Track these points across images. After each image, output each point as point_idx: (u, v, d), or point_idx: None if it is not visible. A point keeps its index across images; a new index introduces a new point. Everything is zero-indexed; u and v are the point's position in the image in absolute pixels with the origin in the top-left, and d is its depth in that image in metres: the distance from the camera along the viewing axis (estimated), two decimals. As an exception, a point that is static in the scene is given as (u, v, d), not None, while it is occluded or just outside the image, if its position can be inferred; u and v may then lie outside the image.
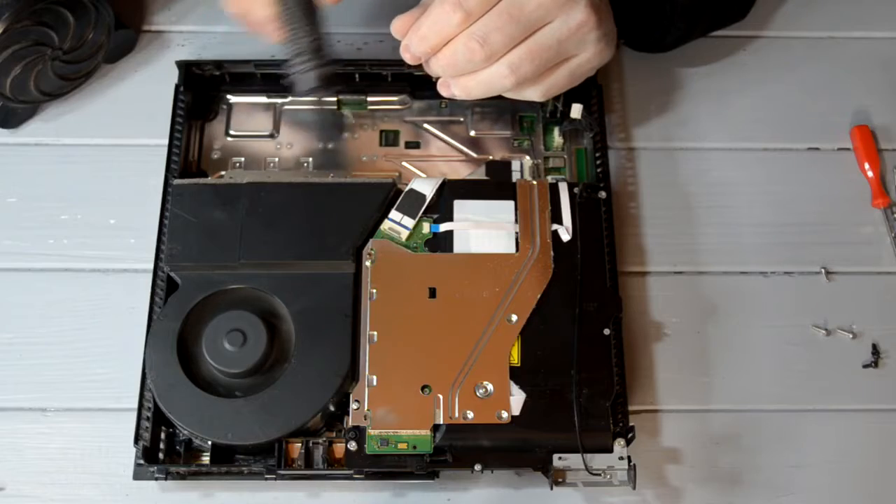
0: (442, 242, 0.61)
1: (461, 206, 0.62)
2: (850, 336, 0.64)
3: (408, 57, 0.58)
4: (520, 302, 0.59)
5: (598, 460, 0.56)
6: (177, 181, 0.62)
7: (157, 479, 0.57)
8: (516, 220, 0.61)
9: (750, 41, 0.74)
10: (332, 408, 0.57)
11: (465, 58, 0.57)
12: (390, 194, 0.62)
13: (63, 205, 0.66)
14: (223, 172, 0.65)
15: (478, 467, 0.56)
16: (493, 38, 0.56)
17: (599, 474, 0.56)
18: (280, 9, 0.58)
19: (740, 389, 0.62)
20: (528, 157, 0.67)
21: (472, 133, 0.68)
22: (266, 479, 0.57)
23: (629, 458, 0.56)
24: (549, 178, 0.65)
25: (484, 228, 0.61)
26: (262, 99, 0.68)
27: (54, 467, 0.59)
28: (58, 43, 0.64)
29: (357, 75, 0.68)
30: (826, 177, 0.69)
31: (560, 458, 0.56)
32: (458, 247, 0.60)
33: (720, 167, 0.69)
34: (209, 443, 0.57)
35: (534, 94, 0.60)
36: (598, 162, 0.65)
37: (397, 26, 0.59)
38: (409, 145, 0.68)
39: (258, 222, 0.60)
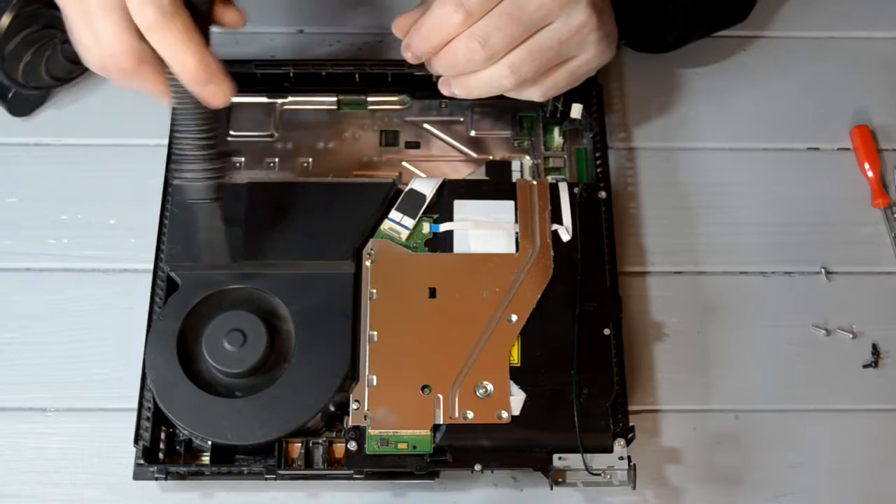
0: (442, 242, 0.61)
1: (461, 206, 0.62)
2: (850, 336, 0.64)
3: (409, 56, 0.58)
4: (520, 302, 0.59)
5: (598, 460, 0.56)
6: (177, 181, 0.62)
7: (157, 479, 0.57)
8: (516, 220, 0.61)
9: (750, 41, 0.74)
10: (332, 408, 0.57)
11: (466, 58, 0.57)
12: (390, 194, 0.62)
13: (63, 205, 0.66)
14: (223, 172, 0.66)
15: (478, 467, 0.56)
16: (493, 38, 0.56)
17: (599, 474, 0.56)
18: (177, 107, 0.53)
19: (740, 389, 0.62)
20: (528, 157, 0.67)
21: (472, 133, 0.68)
22: (266, 479, 0.57)
23: (629, 458, 0.56)
24: (549, 178, 0.65)
25: (484, 228, 0.61)
26: (262, 99, 0.68)
27: (54, 467, 0.59)
28: None
29: (357, 75, 0.68)
30: (826, 177, 0.69)
31: (560, 458, 0.56)
32: (458, 247, 0.61)
33: (720, 167, 0.69)
34: (209, 443, 0.57)
35: (534, 94, 0.60)
36: (598, 162, 0.65)
37: (398, 25, 0.59)
38: (409, 145, 0.68)
39: (258, 222, 0.60)
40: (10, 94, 0.67)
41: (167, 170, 0.64)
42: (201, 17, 0.51)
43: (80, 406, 0.61)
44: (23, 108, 0.68)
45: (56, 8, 0.63)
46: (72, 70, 0.68)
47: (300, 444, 0.57)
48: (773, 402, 0.62)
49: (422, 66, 0.59)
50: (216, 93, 0.51)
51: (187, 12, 0.50)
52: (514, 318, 0.58)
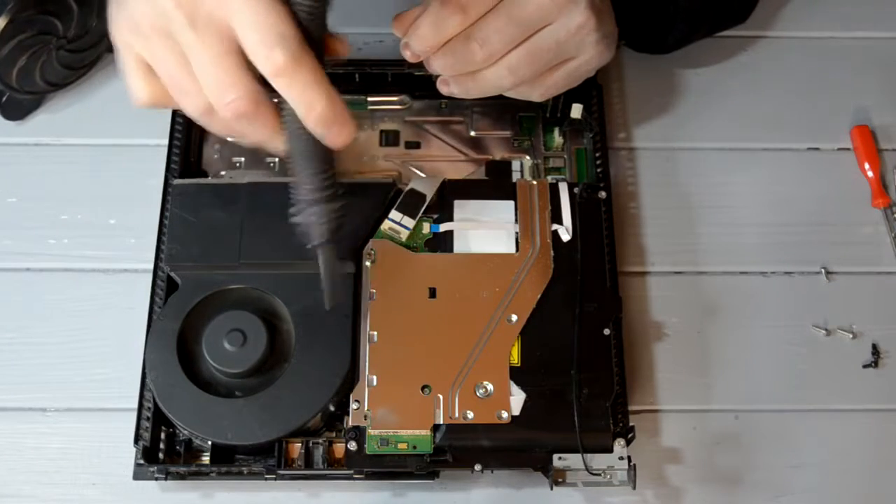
0: (442, 242, 0.61)
1: (461, 206, 0.62)
2: (850, 336, 0.64)
3: (408, 55, 0.58)
4: (520, 302, 0.59)
5: (598, 460, 0.56)
6: (177, 181, 0.62)
7: (157, 479, 0.57)
8: (516, 220, 0.61)
9: (750, 41, 0.74)
10: (332, 408, 0.57)
11: (464, 58, 0.57)
12: (390, 194, 0.62)
13: (63, 205, 0.66)
14: (223, 172, 0.66)
15: (478, 467, 0.56)
16: (492, 39, 0.56)
17: (599, 474, 0.56)
18: (291, 149, 0.50)
19: (740, 389, 0.62)
20: (528, 157, 0.67)
21: (472, 133, 0.68)
22: (266, 479, 0.57)
23: (629, 458, 0.56)
24: (549, 178, 0.65)
25: (484, 228, 0.61)
26: (262, 99, 0.68)
27: (54, 467, 0.59)
28: (62, 32, 0.65)
29: (357, 75, 0.68)
30: (826, 177, 0.69)
31: (560, 458, 0.56)
32: (458, 247, 0.61)
33: (720, 167, 0.69)
34: (209, 443, 0.57)
35: (532, 94, 0.60)
36: (598, 162, 0.65)
37: (398, 23, 0.59)
38: (409, 145, 0.68)
39: (258, 222, 0.60)
40: (3, 99, 0.67)
41: (167, 170, 0.64)
42: (319, 52, 0.48)
43: (80, 406, 0.61)
44: (17, 112, 0.68)
45: (51, 13, 0.63)
46: (66, 75, 0.68)
47: (300, 444, 0.57)
48: (773, 402, 0.62)
49: (421, 65, 0.59)
50: (340, 133, 0.48)
51: (312, 52, 0.47)
52: (514, 318, 0.58)
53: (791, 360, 0.63)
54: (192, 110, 0.49)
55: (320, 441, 0.58)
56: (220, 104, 0.48)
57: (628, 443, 0.56)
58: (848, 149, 0.70)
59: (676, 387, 0.62)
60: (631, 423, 0.58)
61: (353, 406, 0.57)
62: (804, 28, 0.74)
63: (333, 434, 0.58)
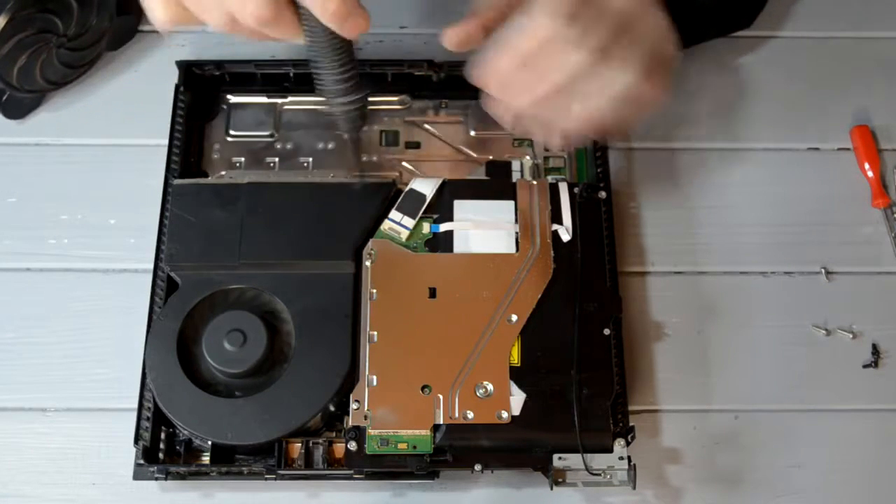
0: (442, 242, 0.61)
1: (461, 206, 0.62)
2: (850, 336, 0.64)
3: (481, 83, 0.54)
4: (520, 302, 0.59)
5: (598, 460, 0.56)
6: (177, 181, 0.63)
7: (157, 479, 0.57)
8: (516, 220, 0.61)
9: (750, 41, 0.74)
10: (332, 408, 0.57)
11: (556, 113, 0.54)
12: (390, 194, 0.62)
13: (63, 205, 0.66)
14: (223, 172, 0.66)
15: (478, 467, 0.56)
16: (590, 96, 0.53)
17: (599, 474, 0.56)
18: (312, 45, 0.53)
19: (740, 389, 0.62)
20: (528, 157, 0.67)
21: (472, 133, 0.68)
22: (266, 479, 0.57)
23: (629, 458, 0.56)
24: (549, 178, 0.65)
25: (484, 228, 0.61)
26: (262, 99, 0.68)
27: (54, 467, 0.59)
28: (62, 30, 0.65)
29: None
30: (826, 177, 0.69)
31: (560, 458, 0.56)
32: (458, 247, 0.61)
33: (720, 167, 0.69)
34: (209, 443, 0.57)
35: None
36: (598, 162, 0.65)
37: (454, 40, 0.54)
38: (409, 145, 0.68)
39: (258, 222, 0.60)
40: (4, 97, 0.67)
41: (167, 170, 0.64)
42: None
43: (80, 406, 0.61)
44: (17, 111, 0.68)
45: (51, 12, 0.63)
46: (67, 74, 0.68)
47: (300, 444, 0.57)
48: (773, 402, 0.62)
49: (421, 65, 0.59)
50: (355, 25, 0.50)
51: None
52: (514, 318, 0.58)
53: (791, 360, 0.63)
54: (215, 24, 0.51)
55: (320, 441, 0.58)
56: (243, 14, 0.50)
57: (628, 443, 0.56)
58: (848, 149, 0.70)
59: (676, 387, 0.62)
60: (631, 423, 0.58)
61: (353, 406, 0.57)
62: (804, 28, 0.74)
63: (333, 434, 0.58)
